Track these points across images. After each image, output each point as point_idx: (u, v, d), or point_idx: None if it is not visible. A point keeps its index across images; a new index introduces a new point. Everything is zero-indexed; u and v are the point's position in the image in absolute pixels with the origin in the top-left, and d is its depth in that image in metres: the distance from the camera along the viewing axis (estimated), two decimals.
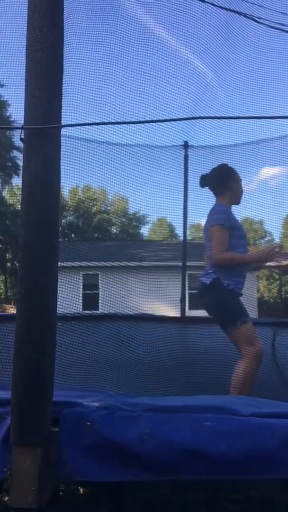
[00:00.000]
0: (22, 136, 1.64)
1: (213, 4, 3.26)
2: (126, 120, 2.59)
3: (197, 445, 1.52)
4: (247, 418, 1.60)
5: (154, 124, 3.48)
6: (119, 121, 2.65)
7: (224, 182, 3.06)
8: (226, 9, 3.29)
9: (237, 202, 3.13)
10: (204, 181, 3.17)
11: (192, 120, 3.58)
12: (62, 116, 1.72)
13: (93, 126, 3.24)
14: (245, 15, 3.25)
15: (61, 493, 2.17)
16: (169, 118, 3.23)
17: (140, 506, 2.10)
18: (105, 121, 3.10)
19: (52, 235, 1.64)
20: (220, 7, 3.23)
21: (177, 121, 3.26)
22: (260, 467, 1.52)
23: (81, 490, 2.17)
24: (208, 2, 3.27)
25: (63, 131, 1.80)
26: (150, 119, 2.86)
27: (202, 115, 3.13)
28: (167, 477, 1.58)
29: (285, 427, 1.54)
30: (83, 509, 2.11)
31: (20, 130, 1.64)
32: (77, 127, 2.65)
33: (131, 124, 2.98)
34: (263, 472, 1.53)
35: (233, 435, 1.53)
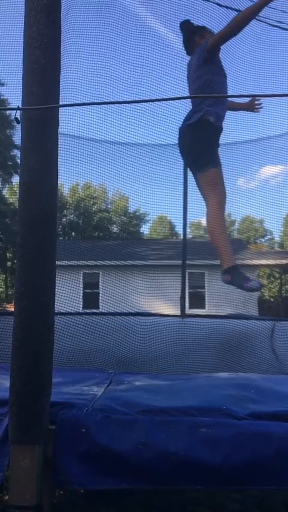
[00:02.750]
0: (18, 117, 1.63)
1: (213, 2, 3.26)
2: (125, 118, 2.59)
3: (192, 455, 1.52)
4: (244, 424, 1.59)
5: (153, 124, 3.48)
6: (118, 118, 2.64)
7: (189, 38, 3.09)
8: (226, 7, 3.28)
9: None
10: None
11: None
12: (60, 113, 1.71)
13: (93, 125, 3.24)
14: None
15: (61, 492, 2.17)
16: (167, 116, 3.23)
17: (140, 505, 2.10)
18: (105, 119, 3.10)
19: (50, 232, 1.64)
20: (220, 5, 3.23)
21: (177, 118, 3.25)
22: (256, 478, 1.51)
23: (81, 490, 2.17)
24: (208, 1, 3.27)
25: (62, 129, 1.79)
26: (149, 114, 2.87)
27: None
28: (162, 486, 1.58)
29: (281, 437, 1.54)
30: (83, 508, 2.11)
31: (15, 112, 1.64)
32: (76, 124, 2.65)
33: (129, 120, 2.98)
34: (259, 483, 1.53)
35: (229, 444, 1.52)
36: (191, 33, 3.11)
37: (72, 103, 2.08)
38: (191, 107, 3.11)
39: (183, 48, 3.22)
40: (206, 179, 2.95)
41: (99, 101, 2.92)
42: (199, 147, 2.99)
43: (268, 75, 3.56)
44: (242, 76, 3.61)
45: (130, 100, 2.10)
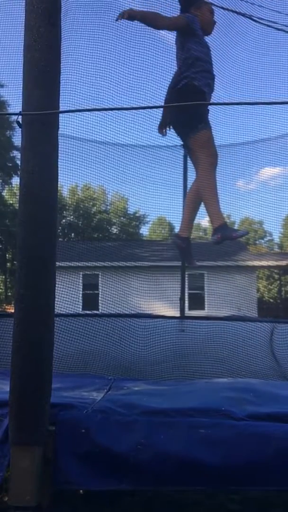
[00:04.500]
0: (19, 121, 1.65)
1: (212, 4, 3.27)
2: (125, 120, 2.59)
3: (191, 455, 1.52)
4: (243, 425, 1.60)
5: (153, 123, 3.49)
6: (118, 120, 2.65)
7: (186, 9, 3.12)
8: (225, 9, 3.29)
9: (205, 32, 3.17)
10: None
11: None
12: (60, 114, 1.72)
13: (93, 126, 3.25)
14: (243, 15, 3.26)
15: (61, 492, 2.17)
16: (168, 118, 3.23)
17: (140, 506, 2.10)
18: (104, 120, 3.11)
19: (50, 234, 1.65)
20: (219, 6, 3.24)
21: None
22: (256, 478, 1.52)
23: (81, 490, 2.17)
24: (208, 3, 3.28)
25: (62, 130, 1.80)
26: (149, 116, 2.89)
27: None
28: (162, 486, 1.59)
29: (280, 437, 1.54)
30: (83, 508, 2.11)
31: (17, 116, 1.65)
32: (76, 125, 2.66)
33: (129, 123, 2.99)
34: (259, 484, 1.54)
35: (228, 445, 1.53)
36: (188, 4, 3.15)
37: (72, 109, 2.09)
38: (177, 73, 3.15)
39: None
40: (197, 141, 3.01)
41: (99, 103, 2.94)
42: (188, 111, 3.02)
43: (266, 77, 3.58)
44: (240, 77, 3.62)
45: (128, 106, 2.11)
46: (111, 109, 2.58)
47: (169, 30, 3.02)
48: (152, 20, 2.93)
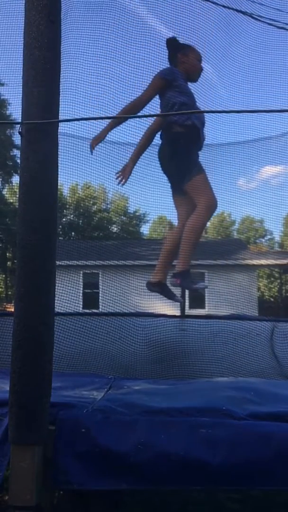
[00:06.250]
0: (20, 130, 1.64)
1: (212, 2, 3.26)
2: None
3: (192, 455, 1.52)
4: (244, 424, 1.59)
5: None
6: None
7: (173, 54, 3.10)
8: (225, 6, 3.28)
9: (191, 79, 3.14)
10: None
11: None
12: (60, 113, 1.71)
13: (94, 125, 3.25)
14: (243, 13, 3.25)
15: (61, 492, 2.17)
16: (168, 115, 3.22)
17: (140, 506, 2.10)
18: (104, 119, 3.10)
19: (50, 233, 1.64)
20: (219, 4, 3.23)
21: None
22: (256, 478, 1.52)
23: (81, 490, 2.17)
24: (208, 0, 3.27)
25: (62, 129, 1.79)
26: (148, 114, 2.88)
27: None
28: (162, 486, 1.59)
29: (281, 436, 1.54)
30: (83, 507, 2.11)
31: (19, 125, 1.65)
32: (76, 124, 2.65)
33: (130, 121, 2.98)
34: (260, 483, 1.53)
35: (229, 444, 1.53)
36: (175, 49, 3.13)
37: (72, 118, 2.11)
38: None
39: (168, 64, 3.24)
40: (192, 186, 2.98)
41: (100, 102, 2.92)
42: (180, 158, 3.01)
43: (267, 76, 3.56)
44: (241, 76, 3.60)
45: (131, 115, 2.10)
46: (112, 118, 2.57)
47: (151, 99, 3.00)
48: (129, 113, 2.92)
